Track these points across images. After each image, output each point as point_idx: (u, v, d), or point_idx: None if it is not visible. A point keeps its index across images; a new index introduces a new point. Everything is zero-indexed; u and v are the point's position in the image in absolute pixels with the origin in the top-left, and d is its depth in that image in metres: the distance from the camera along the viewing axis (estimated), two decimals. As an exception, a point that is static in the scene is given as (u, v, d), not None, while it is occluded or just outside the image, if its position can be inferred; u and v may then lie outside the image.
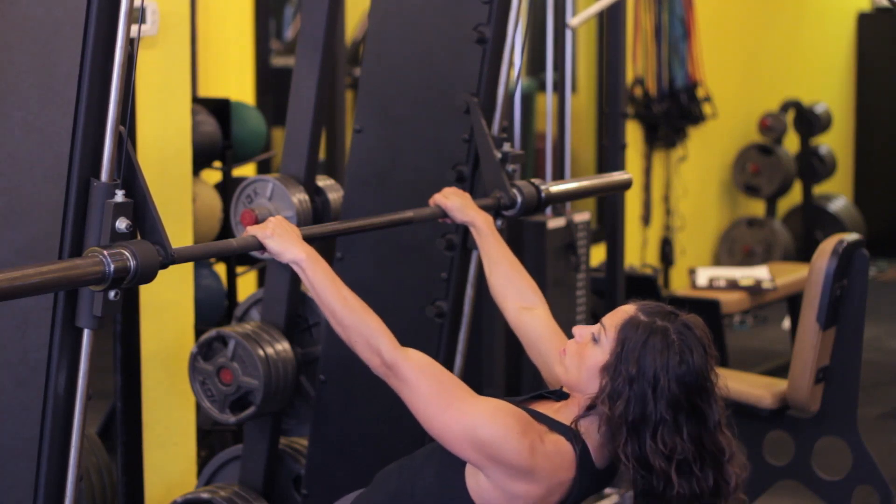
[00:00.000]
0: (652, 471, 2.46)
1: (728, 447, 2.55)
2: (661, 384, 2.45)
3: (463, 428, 2.42)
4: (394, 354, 2.47)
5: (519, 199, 3.22)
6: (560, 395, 2.63)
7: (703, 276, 6.59)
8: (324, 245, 4.40)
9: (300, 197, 3.44)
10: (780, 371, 5.48)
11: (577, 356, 2.54)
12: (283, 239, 2.54)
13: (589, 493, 2.55)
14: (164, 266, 2.41)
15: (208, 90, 5.35)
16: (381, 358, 2.47)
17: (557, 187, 3.35)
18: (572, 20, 5.00)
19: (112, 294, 2.37)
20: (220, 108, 4.76)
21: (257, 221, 3.37)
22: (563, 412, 2.56)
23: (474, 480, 2.48)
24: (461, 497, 2.49)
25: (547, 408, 2.59)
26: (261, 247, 2.55)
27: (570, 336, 2.61)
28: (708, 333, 2.58)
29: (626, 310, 2.54)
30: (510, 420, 2.43)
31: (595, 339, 2.53)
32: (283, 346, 3.48)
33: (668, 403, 2.45)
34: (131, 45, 2.44)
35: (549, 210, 4.87)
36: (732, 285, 6.47)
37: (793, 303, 6.72)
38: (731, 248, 8.53)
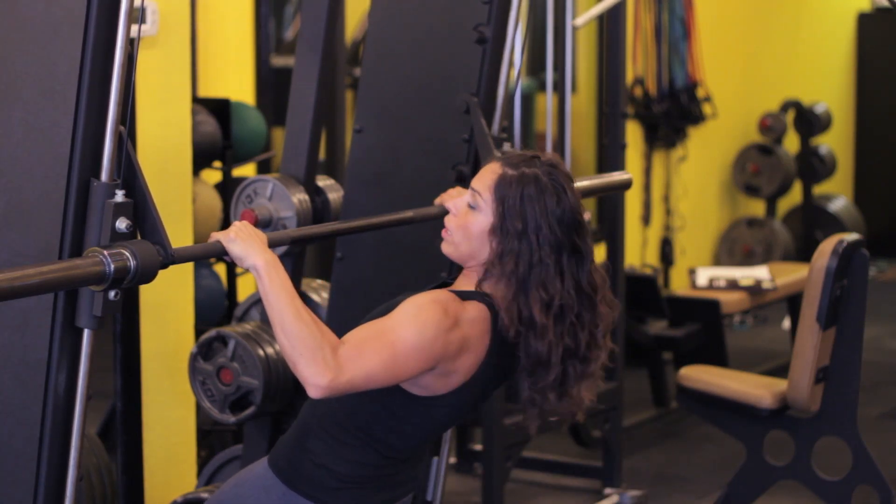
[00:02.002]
0: (534, 327, 2.50)
1: (601, 286, 2.58)
2: (544, 230, 2.50)
3: (414, 351, 2.43)
4: (338, 358, 2.40)
5: (519, 199, 3.21)
6: (448, 284, 2.67)
7: (703, 276, 6.59)
8: (324, 245, 4.41)
9: (300, 197, 3.43)
10: (780, 371, 5.48)
11: (461, 228, 2.58)
12: (244, 244, 2.47)
13: (502, 368, 2.58)
14: (164, 266, 2.41)
15: (208, 90, 5.35)
16: (327, 375, 2.37)
17: (557, 187, 3.34)
18: (577, 20, 5.00)
19: (112, 294, 2.37)
20: (220, 108, 4.76)
21: (257, 221, 3.38)
22: (462, 283, 2.61)
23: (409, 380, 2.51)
24: (391, 391, 2.51)
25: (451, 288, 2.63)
26: (226, 251, 2.52)
27: None
28: (564, 163, 2.63)
29: (493, 169, 2.58)
30: (432, 307, 2.46)
31: (473, 207, 2.57)
32: (283, 346, 3.48)
33: (552, 247, 2.51)
34: (131, 45, 2.44)
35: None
36: (732, 285, 6.47)
37: (793, 303, 6.72)
38: (731, 248, 8.53)
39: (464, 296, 2.55)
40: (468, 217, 2.58)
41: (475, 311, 2.53)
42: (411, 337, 2.44)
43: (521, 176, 2.53)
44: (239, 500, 2.65)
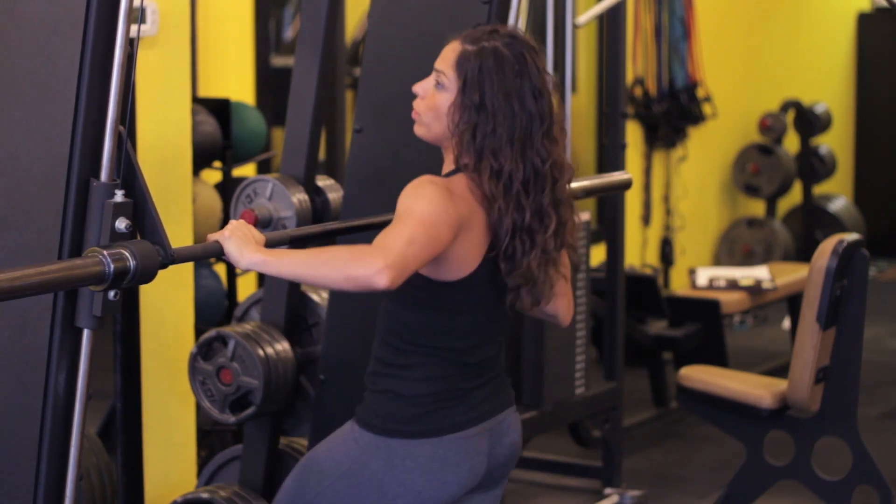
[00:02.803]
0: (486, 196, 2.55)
1: (555, 154, 2.61)
2: (500, 101, 2.56)
3: (432, 215, 2.48)
4: (384, 254, 2.43)
5: (519, 198, 3.22)
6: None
7: (703, 276, 6.59)
8: (324, 245, 4.40)
9: (300, 197, 3.43)
10: (780, 371, 5.48)
11: (431, 109, 2.65)
12: (240, 242, 2.48)
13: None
14: (164, 266, 2.41)
15: (208, 90, 5.35)
16: (380, 263, 2.41)
17: (557, 187, 3.34)
18: (578, 19, 4.99)
19: (112, 294, 2.37)
20: (220, 108, 4.76)
21: (257, 221, 3.38)
22: (444, 169, 2.67)
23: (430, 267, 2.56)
24: (421, 287, 2.57)
25: None
26: (223, 251, 2.52)
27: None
28: (531, 38, 2.67)
29: (453, 47, 2.64)
30: (421, 185, 2.53)
31: (440, 86, 2.63)
32: (283, 346, 3.48)
33: (507, 117, 2.56)
34: (131, 45, 2.44)
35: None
36: (732, 285, 6.47)
37: (793, 303, 6.72)
38: (731, 248, 8.53)
39: (446, 174, 2.62)
40: (436, 97, 2.64)
41: (460, 182, 2.58)
42: (425, 206, 2.49)
43: (480, 50, 2.59)
44: (332, 453, 2.67)
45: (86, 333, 2.43)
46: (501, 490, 2.79)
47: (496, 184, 2.56)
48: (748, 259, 8.41)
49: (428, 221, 2.48)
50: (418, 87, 2.68)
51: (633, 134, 7.60)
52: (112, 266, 2.31)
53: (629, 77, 7.52)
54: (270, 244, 2.57)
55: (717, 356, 6.19)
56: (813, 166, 8.75)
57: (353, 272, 2.41)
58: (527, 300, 2.64)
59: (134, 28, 2.45)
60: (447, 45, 2.66)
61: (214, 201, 4.70)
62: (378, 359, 2.67)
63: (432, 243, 2.49)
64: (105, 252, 2.31)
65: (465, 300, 2.62)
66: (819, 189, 9.04)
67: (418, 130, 2.70)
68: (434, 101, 2.64)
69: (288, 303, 3.52)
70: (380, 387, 2.65)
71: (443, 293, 2.60)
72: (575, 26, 5.10)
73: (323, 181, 3.54)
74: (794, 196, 8.94)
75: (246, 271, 4.93)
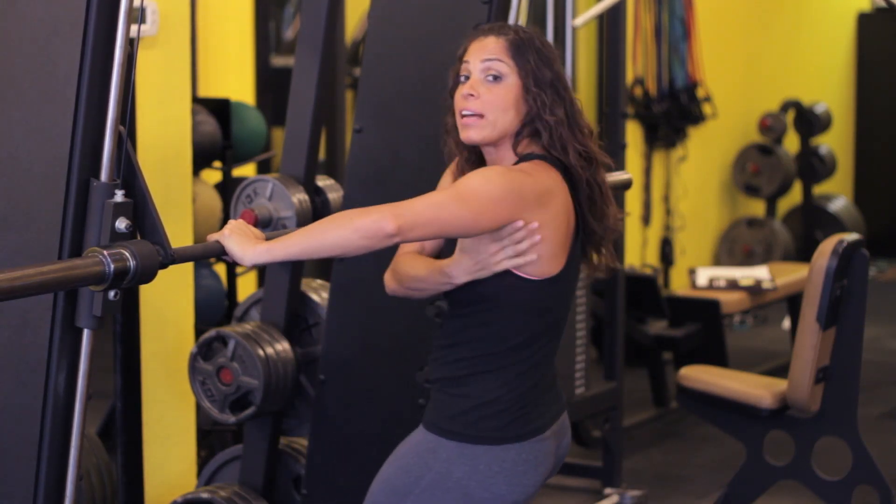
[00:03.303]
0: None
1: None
2: (561, 76, 2.63)
3: (486, 199, 2.47)
4: (387, 207, 2.45)
5: (519, 198, 3.22)
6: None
7: (703, 276, 6.59)
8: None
9: (300, 197, 3.44)
10: (780, 371, 5.48)
11: (493, 103, 2.60)
12: (240, 238, 2.47)
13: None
14: (164, 266, 2.41)
15: (208, 90, 5.35)
16: (388, 216, 2.42)
17: (557, 187, 3.34)
18: (577, 20, 4.99)
19: (112, 294, 2.37)
20: (220, 108, 4.76)
21: (257, 221, 3.38)
22: (507, 158, 2.65)
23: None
24: (504, 279, 2.56)
25: None
26: (224, 251, 2.52)
27: None
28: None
29: (487, 41, 2.63)
30: (492, 170, 2.54)
31: (496, 78, 2.59)
32: (283, 346, 3.48)
33: (554, 84, 2.61)
34: (131, 45, 2.44)
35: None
36: (732, 285, 6.47)
37: (793, 303, 6.72)
38: (731, 248, 8.53)
39: (519, 160, 2.60)
40: (494, 90, 2.59)
41: (535, 166, 2.57)
42: (476, 183, 2.48)
43: (521, 34, 2.61)
44: (403, 472, 2.63)
45: (86, 333, 2.43)
46: None
47: (565, 156, 2.59)
48: (748, 259, 8.41)
49: (469, 195, 2.47)
50: (466, 89, 2.61)
51: (633, 134, 7.60)
52: (112, 266, 2.31)
53: (629, 77, 7.52)
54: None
55: (717, 356, 6.19)
56: (813, 166, 8.75)
57: (360, 222, 2.41)
58: (608, 257, 2.69)
59: (134, 28, 2.45)
60: (472, 43, 2.64)
61: (214, 201, 4.70)
62: (450, 366, 2.62)
63: (463, 215, 2.47)
64: (105, 252, 2.31)
65: (559, 295, 2.62)
66: (819, 189, 9.04)
67: (480, 133, 2.61)
68: (494, 95, 2.59)
69: (288, 303, 3.52)
70: (461, 392, 2.60)
71: (540, 291, 2.57)
72: (573, 28, 5.10)
73: (323, 181, 3.54)
74: (794, 196, 8.94)
75: (248, 270, 4.94)
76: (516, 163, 2.59)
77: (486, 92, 2.58)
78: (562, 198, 2.57)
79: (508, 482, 2.58)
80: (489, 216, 2.48)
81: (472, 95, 2.58)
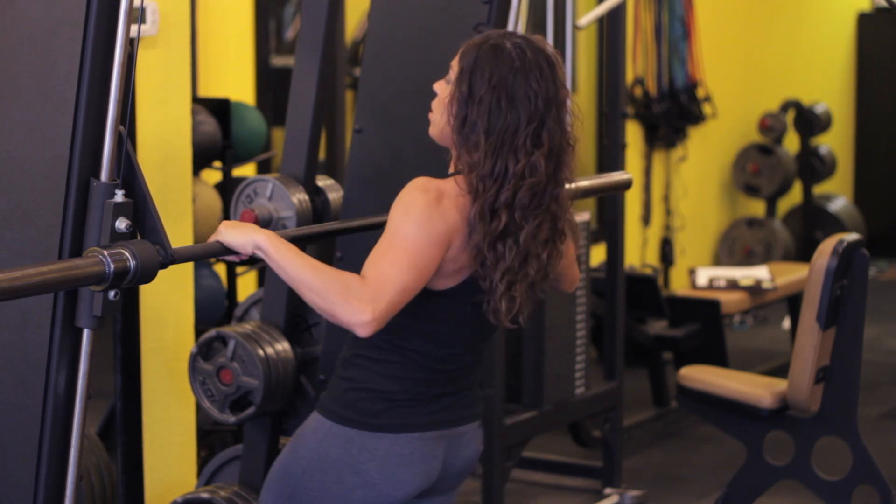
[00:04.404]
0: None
1: (533, 162, 2.51)
2: (486, 91, 2.50)
3: (423, 241, 2.47)
4: (370, 285, 2.44)
5: (519, 198, 3.22)
6: None
7: (703, 276, 6.59)
8: (324, 245, 4.40)
9: (300, 197, 3.43)
10: (780, 371, 5.48)
11: (438, 104, 2.63)
12: (238, 230, 2.50)
13: None
14: (164, 266, 2.41)
15: (208, 90, 5.35)
16: (367, 309, 2.42)
17: (557, 187, 3.34)
18: (580, 20, 5.00)
19: (112, 294, 2.37)
20: (220, 108, 4.76)
21: (257, 221, 3.38)
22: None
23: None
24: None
25: None
26: (226, 250, 2.52)
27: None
28: (550, 47, 2.59)
29: (466, 42, 2.60)
30: (412, 194, 2.51)
31: (448, 82, 2.60)
32: (283, 346, 3.48)
33: (489, 108, 2.50)
34: (131, 45, 2.44)
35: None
36: (732, 285, 6.47)
37: (793, 303, 6.72)
38: (731, 248, 8.53)
39: (442, 180, 2.59)
40: (443, 91, 2.63)
41: (453, 185, 2.55)
42: (413, 231, 2.48)
43: (482, 42, 2.56)
44: (291, 452, 2.68)
45: (86, 333, 2.43)
46: (453, 498, 2.79)
47: (469, 177, 2.53)
48: (748, 259, 8.41)
49: (416, 250, 2.47)
50: (437, 85, 2.65)
51: (633, 134, 7.60)
52: (112, 266, 2.31)
53: (629, 77, 7.52)
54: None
55: (717, 356, 6.19)
56: (813, 166, 8.75)
57: (339, 314, 2.44)
58: (501, 304, 2.57)
59: (134, 28, 2.45)
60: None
61: (214, 201, 4.70)
62: (351, 346, 2.66)
63: (420, 279, 2.49)
64: (105, 252, 2.31)
65: (451, 308, 2.60)
66: (819, 189, 9.04)
67: (431, 131, 2.67)
68: (441, 95, 2.63)
69: (288, 303, 3.52)
70: (347, 374, 2.64)
71: (428, 301, 2.58)
72: (576, 28, 5.10)
73: (323, 181, 3.53)
74: (794, 196, 8.94)
75: (248, 270, 4.94)
76: (450, 174, 2.61)
77: (442, 95, 2.63)
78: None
79: (380, 472, 2.59)
80: (434, 253, 2.50)
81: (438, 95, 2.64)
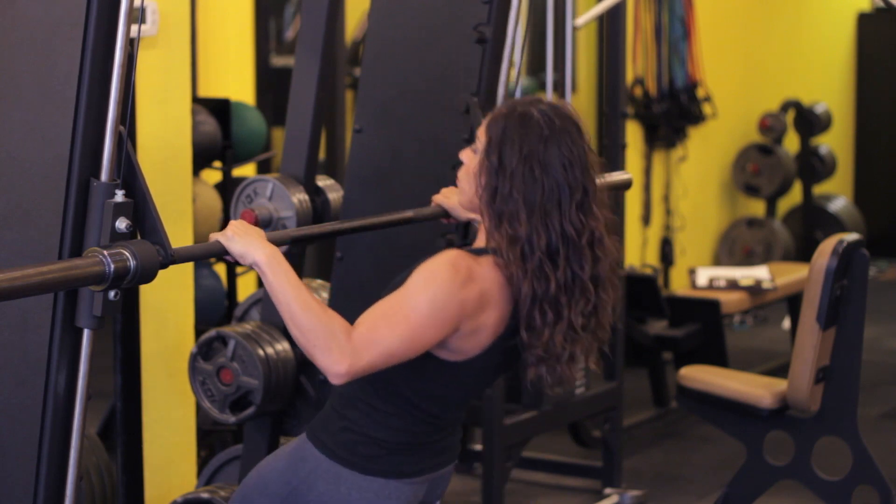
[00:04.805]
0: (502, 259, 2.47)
1: (591, 228, 2.49)
2: (516, 163, 2.46)
3: (429, 317, 2.42)
4: (353, 343, 2.40)
5: (519, 198, 3.22)
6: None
7: (703, 276, 6.59)
8: (324, 245, 4.40)
9: (300, 197, 3.43)
10: (780, 371, 5.48)
11: (465, 174, 2.59)
12: (244, 240, 2.48)
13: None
14: (164, 266, 2.41)
15: (208, 90, 5.35)
16: (344, 363, 2.39)
17: (557, 187, 3.34)
18: (578, 20, 5.00)
19: (112, 294, 2.37)
20: (220, 108, 4.76)
21: (257, 221, 3.37)
22: (479, 240, 2.60)
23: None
24: (423, 354, 2.50)
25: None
26: (226, 251, 2.52)
27: None
28: (575, 111, 2.55)
29: (492, 111, 2.57)
30: (441, 267, 2.45)
31: (475, 151, 2.57)
32: (283, 346, 3.48)
33: (524, 180, 2.46)
34: (131, 45, 2.44)
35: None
36: (732, 285, 6.47)
37: (793, 303, 6.72)
38: (731, 248, 8.53)
39: (476, 252, 2.53)
40: (470, 161, 2.59)
41: (488, 265, 2.50)
42: (424, 305, 2.43)
43: (509, 112, 2.52)
44: (276, 472, 2.65)
45: (86, 333, 2.43)
46: None
47: (513, 250, 2.46)
48: (748, 259, 8.41)
49: (419, 324, 2.42)
50: (463, 154, 2.61)
51: (633, 134, 7.60)
52: (112, 266, 2.30)
53: (629, 77, 7.52)
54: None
55: (717, 356, 6.19)
56: (813, 166, 8.75)
57: (317, 356, 2.41)
58: (549, 378, 2.54)
59: (134, 28, 2.45)
60: None
61: (214, 201, 4.70)
62: (353, 386, 2.60)
63: (409, 351, 2.44)
64: (105, 252, 2.31)
65: (466, 377, 2.58)
66: (819, 189, 9.04)
67: (460, 199, 2.64)
68: (468, 166, 2.58)
69: (288, 303, 3.52)
70: (345, 414, 2.60)
71: (446, 370, 2.55)
72: (574, 28, 5.10)
73: (323, 181, 3.53)
74: (794, 196, 8.94)
75: (248, 270, 4.94)
76: (479, 250, 2.55)
77: (468, 164, 2.59)
78: (499, 298, 2.51)
79: None
80: (435, 333, 2.46)
81: (464, 164, 2.60)
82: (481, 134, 2.55)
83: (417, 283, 2.46)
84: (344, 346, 2.39)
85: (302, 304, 2.42)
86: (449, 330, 2.47)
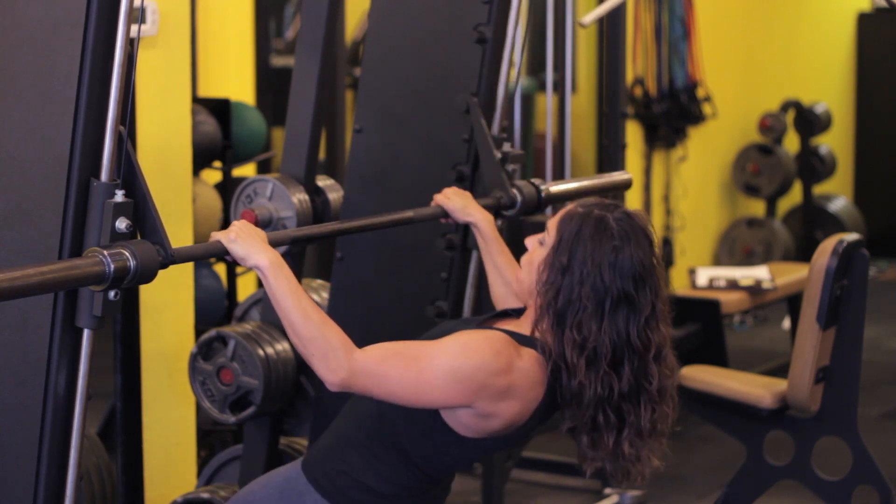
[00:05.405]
0: (566, 364, 2.43)
1: (657, 343, 2.47)
2: (589, 269, 2.43)
3: (444, 381, 2.40)
4: (353, 364, 2.40)
5: (519, 198, 3.22)
6: (520, 312, 2.63)
7: (703, 276, 6.59)
8: (324, 245, 4.40)
9: (300, 197, 3.43)
10: (780, 371, 5.48)
11: (528, 263, 2.55)
12: (246, 243, 2.48)
13: (553, 409, 2.53)
14: (164, 266, 2.41)
15: (208, 90, 5.35)
16: (340, 374, 2.39)
17: (557, 187, 3.35)
18: (584, 19, 5.00)
19: (112, 294, 2.37)
20: (220, 108, 4.76)
21: (257, 221, 3.38)
22: (523, 324, 2.56)
23: (449, 410, 2.47)
24: (432, 421, 2.48)
25: (509, 324, 2.59)
26: (226, 251, 2.52)
27: None
28: (650, 223, 2.52)
29: (567, 208, 2.55)
30: (482, 346, 2.43)
31: (541, 243, 2.54)
32: (283, 346, 3.48)
33: (594, 290, 2.43)
34: (131, 45, 2.44)
35: (549, 210, 4.87)
36: (732, 285, 6.47)
37: (793, 303, 6.72)
38: (731, 248, 8.53)
39: (521, 340, 2.50)
40: (535, 252, 2.55)
41: (530, 361, 2.48)
42: (444, 370, 2.41)
43: (586, 214, 2.48)
44: (270, 501, 2.62)
45: (86, 333, 2.43)
46: None
47: (579, 356, 2.43)
48: (748, 259, 8.41)
49: (429, 381, 2.40)
50: (527, 241, 2.58)
51: (633, 134, 7.60)
52: (112, 266, 2.31)
53: (629, 77, 7.52)
54: (271, 244, 2.56)
55: (717, 356, 6.18)
56: (813, 166, 8.75)
57: (313, 363, 2.40)
58: (616, 474, 2.53)
59: (134, 28, 2.45)
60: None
61: (214, 201, 4.70)
62: (358, 431, 2.58)
63: (409, 397, 2.42)
64: (105, 252, 2.31)
65: (472, 453, 2.56)
66: (819, 189, 9.04)
67: (515, 286, 2.61)
68: (532, 255, 2.55)
69: (288, 303, 3.52)
70: (345, 456, 2.59)
71: (452, 443, 2.52)
72: (581, 25, 5.10)
73: (323, 181, 3.54)
74: (794, 196, 8.94)
75: (248, 270, 4.94)
76: (523, 338, 2.51)
77: (532, 251, 2.57)
78: (530, 391, 2.48)
79: None
80: (442, 396, 2.43)
81: (529, 250, 2.58)
82: (552, 228, 2.52)
83: (451, 347, 2.44)
84: (342, 362, 2.39)
85: (301, 314, 2.42)
86: (458, 403, 2.44)
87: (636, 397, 2.47)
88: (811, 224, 8.82)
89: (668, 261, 7.98)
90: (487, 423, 2.48)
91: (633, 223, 2.48)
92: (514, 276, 2.66)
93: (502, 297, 2.95)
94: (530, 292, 2.54)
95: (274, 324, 3.53)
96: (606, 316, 2.43)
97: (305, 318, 2.42)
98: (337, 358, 2.39)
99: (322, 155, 3.90)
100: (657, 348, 2.47)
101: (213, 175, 4.97)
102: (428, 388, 2.41)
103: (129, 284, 2.35)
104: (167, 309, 4.05)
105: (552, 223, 2.53)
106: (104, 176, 2.41)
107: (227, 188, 4.72)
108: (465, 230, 3.30)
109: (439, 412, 2.48)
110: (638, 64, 7.62)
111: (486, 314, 2.69)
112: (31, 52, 2.46)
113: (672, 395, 2.52)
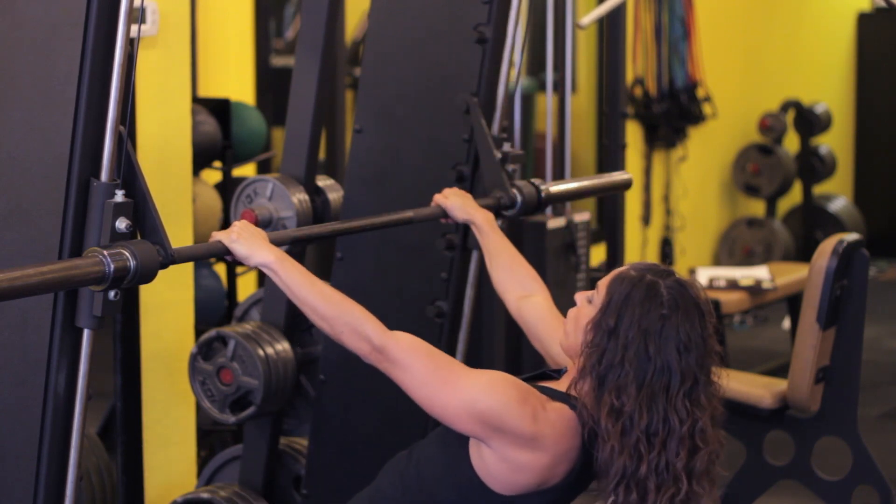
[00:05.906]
0: (599, 429, 2.40)
1: (694, 418, 2.40)
2: (634, 335, 2.39)
3: (462, 402, 2.39)
4: (382, 338, 2.44)
5: (519, 198, 3.22)
6: (560, 373, 2.61)
7: (703, 276, 6.59)
8: (324, 245, 4.40)
9: (300, 197, 3.43)
10: (780, 371, 5.48)
11: (574, 320, 2.52)
12: (248, 243, 2.49)
13: (590, 473, 2.50)
14: (164, 266, 2.41)
15: (208, 90, 5.35)
16: (370, 344, 2.43)
17: (557, 187, 3.35)
18: (582, 20, 5.00)
19: (112, 294, 2.37)
20: (220, 108, 4.76)
21: (257, 221, 3.38)
22: (564, 383, 2.54)
23: (478, 456, 2.45)
24: (467, 475, 2.47)
25: (547, 383, 2.57)
26: (227, 251, 2.52)
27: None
28: (704, 293, 2.47)
29: (619, 268, 2.52)
30: (509, 389, 2.41)
31: (589, 301, 2.50)
32: (283, 346, 3.48)
33: (638, 356, 2.39)
34: (131, 45, 2.44)
35: (549, 210, 4.88)
36: (732, 285, 6.47)
37: (793, 303, 6.72)
38: (731, 248, 8.53)
39: (555, 396, 2.48)
40: (583, 310, 2.51)
41: (557, 413, 2.45)
42: (467, 397, 2.39)
43: (638, 279, 2.44)
44: None
45: (86, 333, 2.43)
46: None
47: (613, 422, 2.38)
48: (748, 259, 8.41)
49: (450, 397, 2.39)
50: (577, 296, 2.54)
51: (633, 134, 7.60)
52: (112, 266, 2.31)
53: (629, 77, 7.52)
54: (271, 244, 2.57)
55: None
56: (813, 166, 8.75)
57: (346, 341, 2.43)
58: None
59: (134, 28, 2.45)
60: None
61: (214, 201, 4.70)
62: (399, 497, 2.56)
63: (419, 395, 2.43)
64: (105, 252, 2.31)
65: None
66: (819, 189, 9.04)
67: (561, 340, 2.56)
68: (579, 312, 2.50)
69: (288, 303, 3.52)
70: None
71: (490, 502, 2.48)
72: (579, 27, 5.11)
73: (323, 181, 3.54)
74: (794, 196, 8.94)
75: (248, 270, 4.94)
76: (557, 393, 2.49)
77: (580, 307, 2.53)
78: (562, 453, 2.45)
79: None
80: (458, 419, 2.42)
81: (577, 306, 2.54)
82: (602, 287, 2.48)
83: (480, 379, 2.42)
84: (371, 333, 2.43)
85: (321, 296, 2.46)
86: (466, 430, 2.42)
87: (663, 475, 2.39)
88: (811, 224, 8.81)
89: (669, 261, 7.98)
90: (519, 476, 2.44)
91: (684, 292, 2.43)
92: (560, 333, 2.59)
93: (503, 284, 2.95)
94: (572, 348, 2.51)
95: (274, 324, 3.53)
96: (645, 386, 2.38)
97: (326, 299, 2.45)
98: (366, 329, 2.43)
99: (322, 155, 3.90)
100: (693, 422, 2.40)
101: (213, 175, 4.97)
102: (445, 403, 2.41)
103: (129, 284, 2.35)
104: (167, 309, 4.05)
105: (603, 283, 2.49)
106: (104, 176, 2.41)
107: (227, 188, 4.72)
108: (465, 230, 3.30)
109: (473, 468, 2.45)
110: (638, 64, 7.62)
111: (527, 374, 2.63)
112: (31, 52, 2.46)
113: (709, 474, 2.44)
